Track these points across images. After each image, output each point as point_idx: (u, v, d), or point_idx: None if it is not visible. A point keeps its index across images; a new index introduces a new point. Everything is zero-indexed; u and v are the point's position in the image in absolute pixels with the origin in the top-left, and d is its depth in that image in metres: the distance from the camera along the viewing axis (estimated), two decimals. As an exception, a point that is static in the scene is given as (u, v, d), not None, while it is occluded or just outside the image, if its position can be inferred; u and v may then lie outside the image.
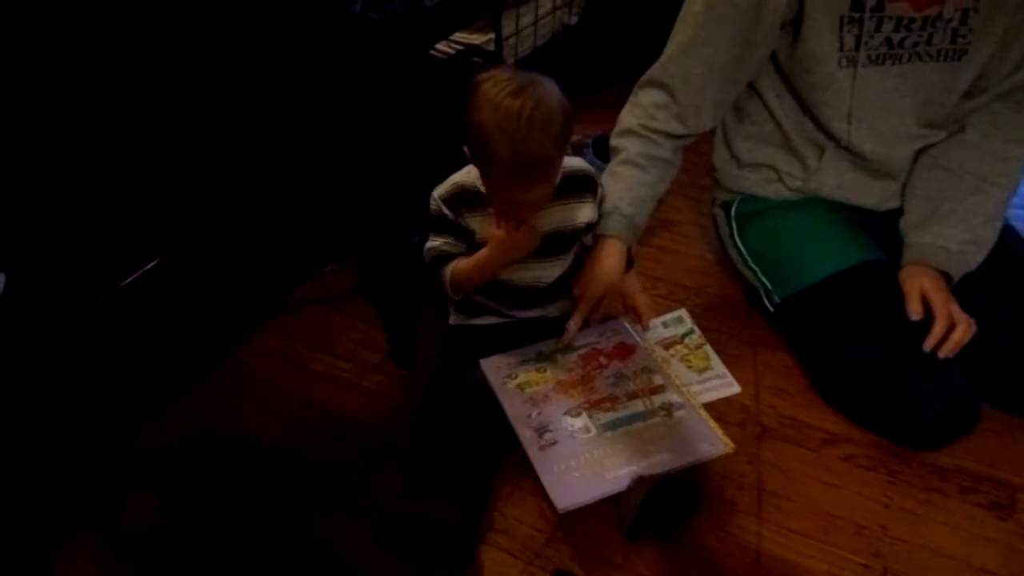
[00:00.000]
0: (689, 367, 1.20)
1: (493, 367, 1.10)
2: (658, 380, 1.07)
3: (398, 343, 1.27)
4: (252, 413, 1.19)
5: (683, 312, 1.30)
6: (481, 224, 1.04)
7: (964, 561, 0.93)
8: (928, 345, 1.01)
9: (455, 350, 1.15)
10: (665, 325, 1.28)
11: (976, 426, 1.04)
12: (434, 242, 1.07)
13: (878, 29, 1.03)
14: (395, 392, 1.22)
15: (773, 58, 1.11)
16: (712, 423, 1.00)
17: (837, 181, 1.18)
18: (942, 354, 1.00)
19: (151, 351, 1.21)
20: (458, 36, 1.65)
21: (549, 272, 1.10)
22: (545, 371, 1.09)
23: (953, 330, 1.01)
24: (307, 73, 1.28)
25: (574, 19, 1.98)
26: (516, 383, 1.07)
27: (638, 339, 1.14)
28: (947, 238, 1.08)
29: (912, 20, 1.02)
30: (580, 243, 1.13)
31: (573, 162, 1.06)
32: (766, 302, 1.21)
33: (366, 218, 1.34)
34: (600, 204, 1.11)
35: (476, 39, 1.67)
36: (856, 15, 1.01)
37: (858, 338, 1.07)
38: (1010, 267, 1.11)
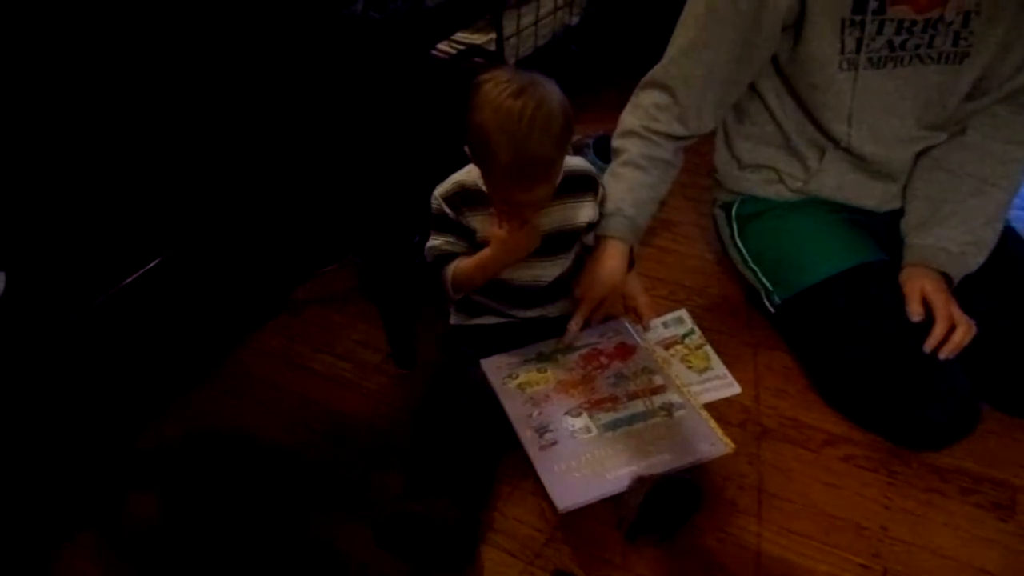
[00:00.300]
0: (689, 367, 1.20)
1: (494, 367, 1.10)
2: (659, 380, 1.07)
3: (398, 343, 1.27)
4: (252, 413, 1.19)
5: (683, 312, 1.30)
6: (482, 223, 1.04)
7: (964, 562, 0.93)
8: (928, 346, 1.01)
9: (455, 350, 1.15)
10: (665, 325, 1.28)
11: (976, 427, 1.04)
12: (435, 241, 1.07)
13: (879, 32, 1.03)
14: (395, 392, 1.22)
15: (774, 60, 1.11)
16: (712, 423, 1.00)
17: (838, 182, 1.18)
18: (942, 355, 1.00)
19: (151, 351, 1.21)
20: (459, 36, 1.65)
21: (549, 271, 1.10)
22: (546, 371, 1.09)
23: (953, 331, 1.01)
24: (308, 73, 1.28)
25: (575, 19, 1.98)
26: (517, 383, 1.07)
27: (639, 339, 1.14)
28: (948, 239, 1.08)
29: (914, 23, 1.02)
30: (580, 243, 1.13)
31: (574, 161, 1.06)
32: (766, 303, 1.21)
33: (366, 218, 1.34)
34: (601, 204, 1.11)
35: (477, 39, 1.67)
36: (857, 18, 1.01)
37: (858, 339, 1.07)
38: (1011, 269, 1.11)
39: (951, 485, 1.02)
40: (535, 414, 1.03)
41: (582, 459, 0.96)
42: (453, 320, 1.19)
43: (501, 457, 1.06)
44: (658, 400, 1.04)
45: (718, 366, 1.20)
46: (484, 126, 0.88)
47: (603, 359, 1.11)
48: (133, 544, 1.01)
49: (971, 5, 1.00)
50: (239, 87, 1.21)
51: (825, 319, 1.12)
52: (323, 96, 1.31)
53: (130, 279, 1.13)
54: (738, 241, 1.27)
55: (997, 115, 1.10)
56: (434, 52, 1.59)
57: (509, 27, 1.67)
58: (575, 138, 1.51)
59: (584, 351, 1.12)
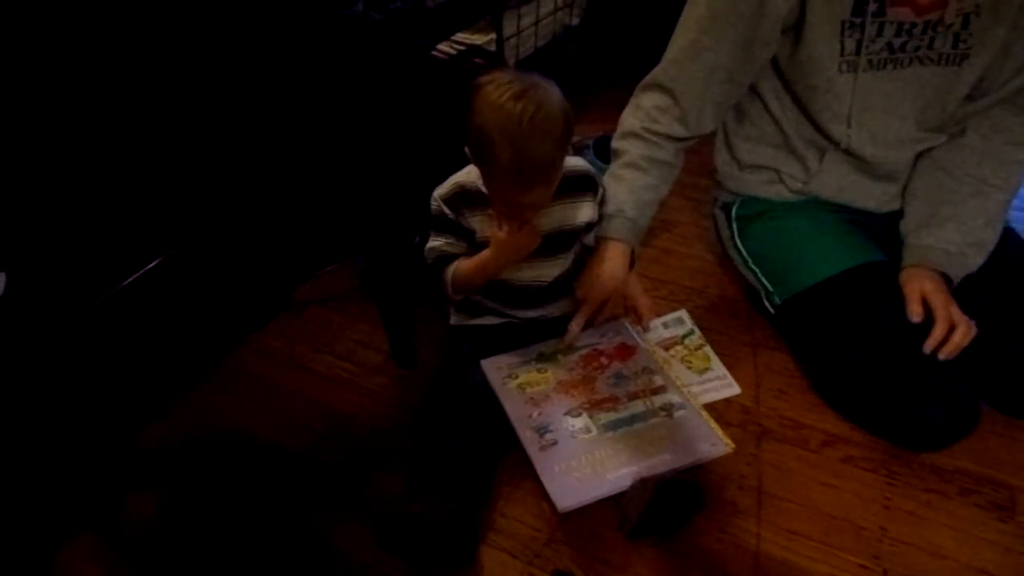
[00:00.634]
0: (689, 368, 1.20)
1: (494, 367, 1.10)
2: (659, 381, 1.07)
3: (399, 343, 1.27)
4: (252, 413, 1.19)
5: (683, 313, 1.30)
6: (482, 224, 1.04)
7: (964, 563, 0.93)
8: (928, 347, 1.01)
9: (455, 350, 1.15)
10: (665, 326, 1.28)
11: (976, 428, 1.04)
12: (435, 242, 1.07)
13: (879, 34, 1.03)
14: (395, 392, 1.22)
15: (774, 61, 1.11)
16: (713, 423, 1.01)
17: (838, 183, 1.18)
18: (942, 356, 1.00)
19: (151, 351, 1.21)
20: (459, 36, 1.65)
21: (549, 271, 1.11)
22: (546, 371, 1.09)
23: (953, 332, 1.01)
24: (309, 73, 1.28)
25: (575, 20, 1.98)
26: (517, 383, 1.07)
27: (639, 340, 1.15)
28: (947, 240, 1.09)
29: (913, 25, 1.02)
30: (580, 243, 1.13)
31: (573, 162, 1.06)
32: (766, 303, 1.21)
33: (367, 218, 1.34)
34: (600, 204, 1.11)
35: (477, 39, 1.68)
36: (857, 20, 1.02)
37: (858, 340, 1.07)
38: (1011, 269, 1.11)
39: (951, 486, 1.02)
40: (535, 414, 1.03)
41: (582, 459, 0.96)
42: (453, 320, 1.19)
43: (501, 457, 1.06)
44: (658, 400, 1.04)
45: (718, 367, 1.20)
46: (484, 128, 0.88)
47: (603, 359, 1.11)
48: (133, 544, 1.01)
49: (971, 7, 1.00)
50: (240, 87, 1.21)
51: (825, 320, 1.12)
52: (324, 96, 1.31)
53: (130, 279, 1.13)
54: (738, 242, 1.27)
55: (997, 116, 1.10)
56: (434, 53, 1.59)
57: (509, 28, 1.68)
58: (575, 139, 1.51)
59: (584, 351, 1.12)
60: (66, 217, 1.06)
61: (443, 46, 1.62)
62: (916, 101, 1.08)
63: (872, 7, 1.00)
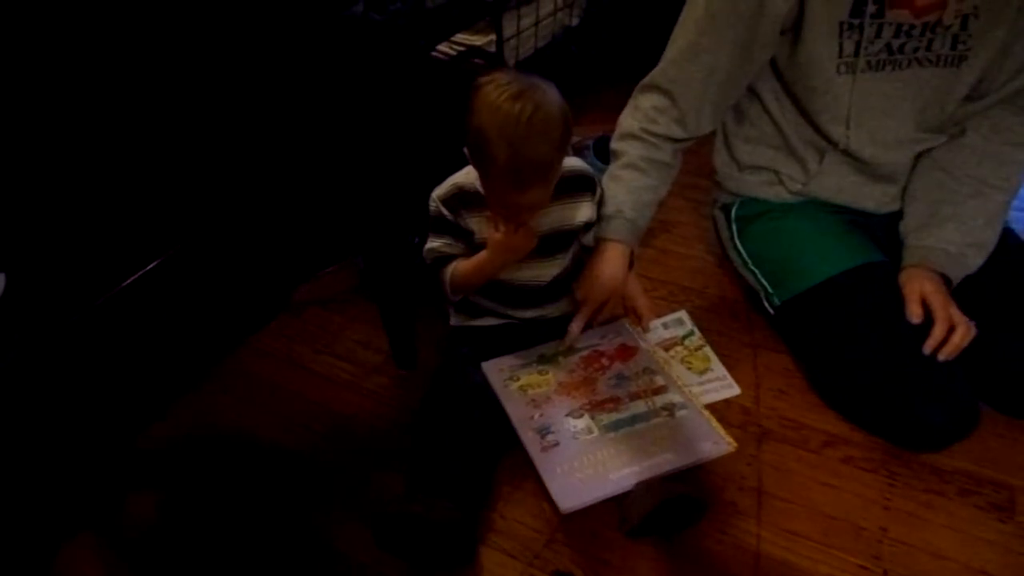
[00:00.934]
0: (689, 368, 1.20)
1: (495, 369, 1.10)
2: (660, 381, 1.07)
3: (399, 344, 1.27)
4: (252, 413, 1.19)
5: (683, 314, 1.30)
6: (480, 225, 1.04)
7: (964, 563, 0.93)
8: (928, 348, 1.01)
9: (455, 351, 1.15)
10: (665, 327, 1.28)
11: (976, 428, 1.04)
12: (433, 243, 1.08)
13: (878, 35, 1.03)
14: (395, 393, 1.22)
15: (773, 62, 1.12)
16: (714, 422, 1.01)
17: (837, 184, 1.18)
18: (942, 357, 1.00)
19: (151, 352, 1.21)
20: (459, 37, 1.65)
21: (547, 271, 1.11)
22: (547, 373, 1.09)
23: (953, 333, 1.01)
24: (309, 74, 1.28)
25: (575, 21, 1.99)
26: (518, 385, 1.07)
27: (639, 340, 1.15)
28: (947, 241, 1.09)
29: (912, 26, 1.02)
30: (579, 242, 1.13)
31: (571, 162, 1.06)
32: (766, 304, 1.21)
33: (367, 219, 1.34)
34: (599, 204, 1.11)
35: (477, 40, 1.68)
36: (856, 21, 1.02)
37: (858, 340, 1.07)
38: (1010, 269, 1.11)
39: (951, 486, 1.02)
40: (537, 416, 1.03)
41: (584, 460, 0.96)
42: (453, 321, 1.19)
43: (501, 458, 1.06)
44: (660, 400, 1.04)
45: (718, 367, 1.20)
46: (483, 128, 0.89)
47: (604, 360, 1.11)
48: (133, 544, 1.01)
49: (969, 8, 1.00)
50: (240, 88, 1.21)
51: (825, 320, 1.12)
52: (324, 97, 1.31)
53: (130, 280, 1.13)
54: (738, 242, 1.27)
55: (996, 117, 1.10)
56: (434, 54, 1.59)
57: (509, 28, 1.68)
58: (575, 139, 1.52)
59: (585, 353, 1.13)
60: (66, 217, 1.06)
61: (443, 47, 1.63)
62: (915, 102, 1.09)
63: (871, 8, 1.00)
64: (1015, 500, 1.00)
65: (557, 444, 0.99)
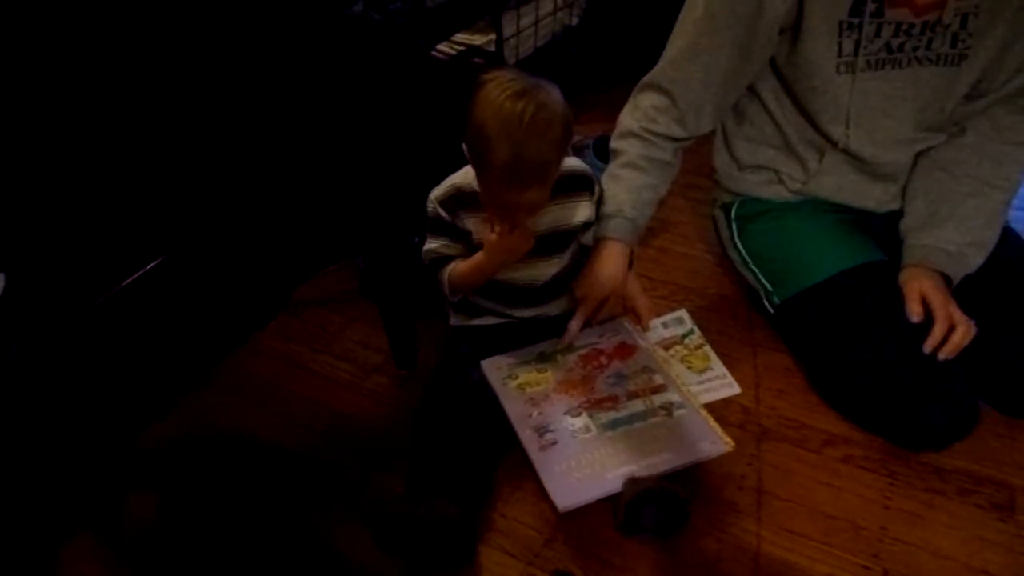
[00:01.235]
0: (689, 368, 1.20)
1: (494, 368, 1.10)
2: (658, 380, 1.07)
3: (398, 344, 1.27)
4: (252, 413, 1.19)
5: (683, 313, 1.30)
6: (478, 226, 1.04)
7: (964, 563, 0.93)
8: (928, 347, 1.01)
9: (455, 350, 1.15)
10: (665, 326, 1.28)
11: (976, 427, 1.04)
12: (431, 244, 1.08)
13: (877, 34, 1.03)
14: (395, 392, 1.22)
15: (772, 62, 1.12)
16: (712, 422, 1.01)
17: (837, 183, 1.18)
18: (942, 356, 1.00)
19: (151, 352, 1.21)
20: (459, 37, 1.65)
21: (546, 271, 1.11)
22: (546, 371, 1.09)
23: (953, 332, 1.01)
24: (308, 73, 1.28)
25: (575, 20, 1.99)
26: (517, 383, 1.07)
27: (638, 339, 1.15)
28: (947, 240, 1.09)
29: (912, 25, 1.02)
30: (577, 242, 1.13)
31: (570, 161, 1.06)
32: (766, 303, 1.21)
33: (367, 219, 1.34)
34: (597, 203, 1.11)
35: (477, 40, 1.68)
36: (855, 20, 1.02)
37: (858, 340, 1.07)
38: (1010, 269, 1.11)
39: (951, 485, 1.02)
40: (535, 414, 1.03)
41: (582, 459, 0.96)
42: (452, 321, 1.19)
43: (501, 457, 1.06)
44: (658, 399, 1.04)
45: (718, 366, 1.20)
46: (483, 125, 0.89)
47: (603, 359, 1.11)
48: (133, 544, 1.01)
49: (969, 7, 1.00)
50: (239, 87, 1.21)
51: (824, 320, 1.12)
52: (323, 97, 1.31)
53: (130, 279, 1.13)
54: (738, 242, 1.27)
55: (996, 116, 1.10)
56: (434, 53, 1.59)
57: (509, 28, 1.68)
58: (575, 138, 1.51)
59: (584, 351, 1.13)
60: (66, 217, 1.06)
61: (442, 46, 1.63)
62: (915, 101, 1.08)
63: (870, 7, 1.00)
64: (1015, 499, 1.00)
65: (555, 443, 0.99)
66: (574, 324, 1.11)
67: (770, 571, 0.93)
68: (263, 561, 0.98)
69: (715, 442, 0.98)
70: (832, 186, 1.18)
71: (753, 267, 1.24)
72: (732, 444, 0.97)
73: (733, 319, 1.31)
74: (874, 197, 1.19)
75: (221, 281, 1.32)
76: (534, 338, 1.14)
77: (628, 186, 1.13)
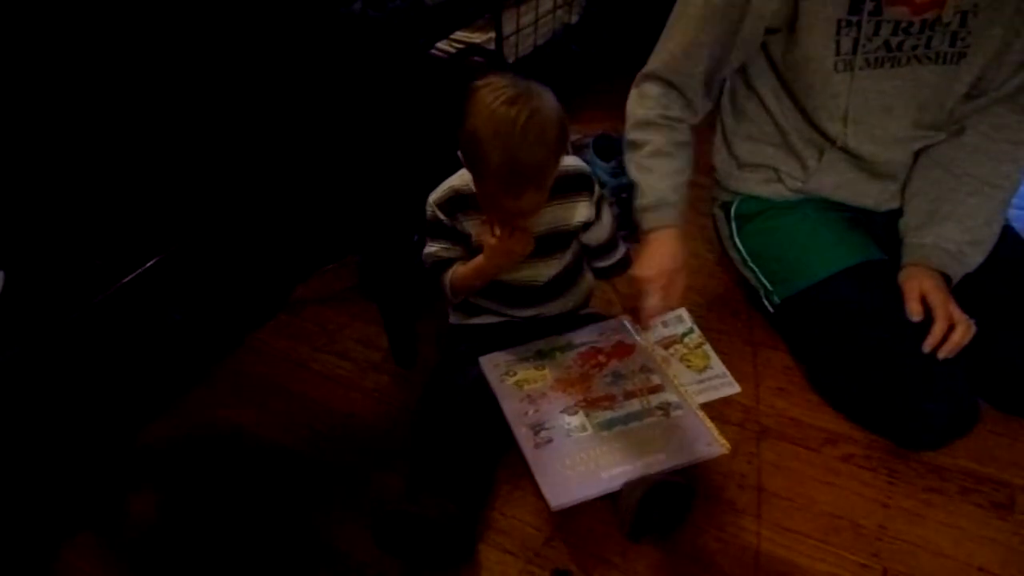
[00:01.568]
0: (689, 366, 1.19)
1: (492, 364, 1.10)
2: (656, 380, 1.07)
3: (398, 342, 1.27)
4: (252, 413, 1.19)
5: (683, 311, 1.30)
6: (477, 228, 1.04)
7: (963, 561, 0.93)
8: (928, 346, 1.01)
9: (454, 349, 1.15)
10: (665, 324, 1.27)
11: (976, 426, 1.04)
12: (431, 247, 1.08)
13: (876, 33, 1.02)
14: (395, 391, 1.22)
15: (771, 60, 1.12)
16: (709, 423, 1.00)
17: (836, 182, 1.18)
18: (942, 355, 1.00)
19: (151, 350, 1.21)
20: (459, 35, 1.65)
21: (545, 271, 1.11)
22: (544, 369, 1.09)
23: (953, 331, 1.01)
24: (307, 72, 1.28)
25: (575, 18, 1.98)
26: (514, 380, 1.07)
27: (638, 338, 1.14)
28: (947, 239, 1.08)
29: (911, 23, 1.01)
30: (577, 242, 1.13)
31: (569, 161, 1.06)
32: (766, 302, 1.21)
33: (366, 217, 1.34)
34: (597, 203, 1.10)
35: (477, 38, 1.67)
36: (854, 19, 1.01)
37: (857, 339, 1.07)
38: (1010, 268, 1.11)
39: (950, 484, 1.02)
40: (531, 411, 1.03)
41: (577, 457, 0.96)
42: (452, 319, 1.19)
43: (501, 456, 1.06)
44: (655, 399, 1.04)
45: (717, 365, 1.20)
46: (477, 132, 0.88)
47: (601, 358, 1.11)
48: (133, 544, 1.01)
49: (968, 5, 0.99)
50: (239, 86, 1.21)
51: (824, 318, 1.12)
52: (322, 95, 1.31)
53: (129, 278, 1.13)
54: (737, 240, 1.27)
55: (996, 115, 1.10)
56: (433, 51, 1.59)
57: (508, 26, 1.67)
58: (575, 137, 1.51)
59: (583, 349, 1.12)
60: (65, 216, 1.06)
61: (442, 45, 1.62)
62: (914, 100, 1.08)
63: (868, 6, 1.00)
64: (1015, 498, 1.00)
65: (550, 441, 0.98)
66: (647, 316, 1.08)
67: (770, 569, 0.93)
68: (263, 561, 0.98)
69: (711, 444, 0.97)
70: (831, 184, 1.18)
71: (753, 266, 1.24)
72: (728, 446, 0.97)
73: (733, 318, 1.31)
74: (873, 196, 1.19)
75: (220, 280, 1.32)
76: (533, 337, 1.14)
77: (663, 173, 1.14)
